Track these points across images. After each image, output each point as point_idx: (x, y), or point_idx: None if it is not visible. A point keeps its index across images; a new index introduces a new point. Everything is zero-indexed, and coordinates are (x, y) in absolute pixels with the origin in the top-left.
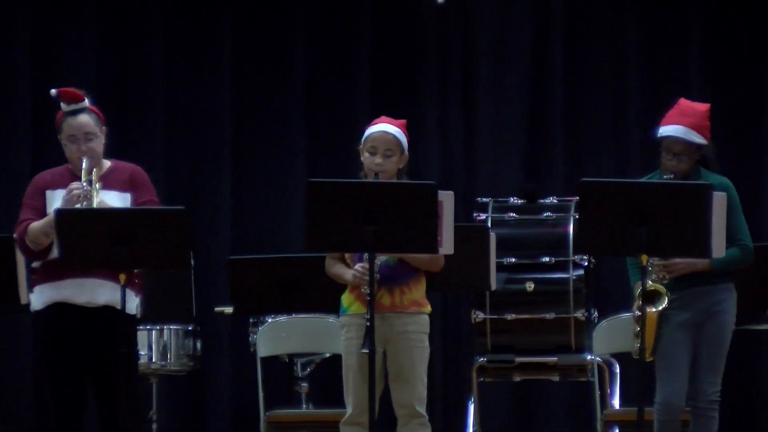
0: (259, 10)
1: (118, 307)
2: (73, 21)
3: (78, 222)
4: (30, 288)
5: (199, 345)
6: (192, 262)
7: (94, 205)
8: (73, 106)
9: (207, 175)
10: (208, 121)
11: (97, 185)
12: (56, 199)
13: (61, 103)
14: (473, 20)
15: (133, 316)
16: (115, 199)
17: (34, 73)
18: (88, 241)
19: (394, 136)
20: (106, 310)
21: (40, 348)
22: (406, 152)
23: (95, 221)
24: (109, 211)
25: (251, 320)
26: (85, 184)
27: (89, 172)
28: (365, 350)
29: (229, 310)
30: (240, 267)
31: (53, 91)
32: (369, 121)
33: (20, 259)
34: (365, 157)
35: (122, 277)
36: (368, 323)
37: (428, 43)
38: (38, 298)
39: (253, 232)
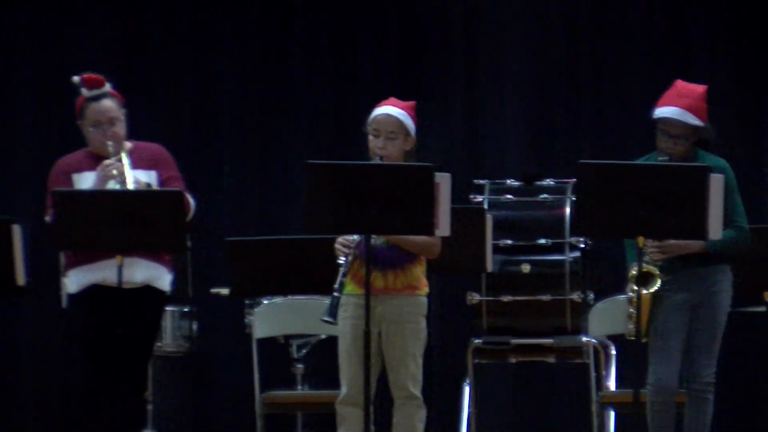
0: None
1: (156, 285)
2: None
3: (75, 203)
4: (63, 272)
5: (195, 326)
6: (189, 243)
7: (131, 183)
8: (96, 92)
9: (206, 156)
10: (207, 102)
11: (128, 165)
12: (83, 182)
13: (83, 89)
14: (477, 1)
15: (164, 292)
16: (143, 177)
17: (38, 58)
18: (87, 223)
19: (397, 119)
20: (143, 289)
21: (77, 331)
22: (413, 134)
23: (92, 203)
24: (106, 192)
25: (247, 302)
26: (117, 161)
27: (117, 154)
28: (325, 318)
29: (225, 291)
30: (238, 248)
31: (76, 78)
32: (371, 103)
33: (17, 240)
34: (370, 139)
35: (119, 258)
36: (335, 293)
37: (431, 25)
38: (73, 281)
39: (252, 214)
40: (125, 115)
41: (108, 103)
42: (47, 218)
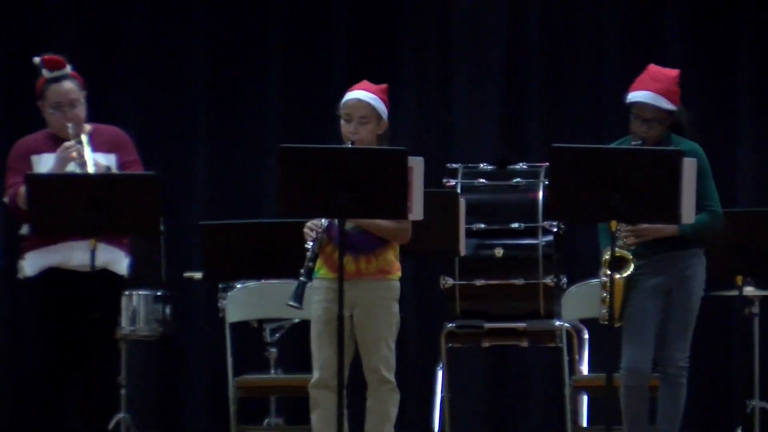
0: None
1: (113, 269)
2: None
3: (49, 187)
4: (20, 255)
5: (168, 310)
6: (162, 228)
7: (91, 166)
8: (56, 73)
9: (181, 140)
10: (182, 86)
11: (88, 147)
12: (43, 163)
13: (43, 70)
14: None
15: (121, 276)
16: (102, 160)
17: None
18: (58, 206)
19: (368, 103)
20: (99, 273)
21: (36, 314)
22: (385, 118)
23: (66, 187)
24: (79, 176)
25: (221, 286)
26: (77, 144)
27: (77, 137)
28: (290, 303)
29: (198, 275)
30: (212, 232)
31: (36, 59)
32: (345, 88)
33: None
34: (342, 124)
35: (92, 242)
36: (301, 278)
37: (405, 8)
38: (30, 264)
39: (225, 198)
40: (85, 97)
41: (69, 85)
42: (5, 199)
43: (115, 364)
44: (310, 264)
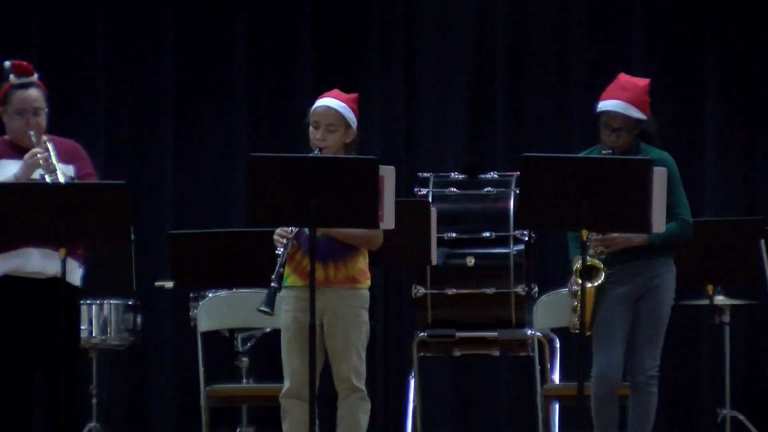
0: None
1: (66, 278)
2: None
3: (15, 195)
4: None
5: (139, 319)
6: (132, 236)
7: (60, 174)
8: (23, 80)
9: (149, 148)
10: (149, 95)
11: (54, 155)
12: (4, 169)
13: (11, 76)
14: None
15: (76, 287)
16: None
17: None
18: (26, 215)
19: (337, 111)
20: (53, 281)
21: None
22: (354, 127)
23: (34, 195)
24: (47, 185)
25: (192, 295)
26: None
27: (38, 145)
28: (262, 308)
29: (169, 284)
30: (181, 241)
31: (7, 63)
32: (312, 96)
33: None
34: (310, 131)
35: (62, 251)
36: (272, 284)
37: (371, 17)
38: None
39: (195, 207)
40: (47, 107)
41: (35, 93)
42: None
43: (80, 374)
44: (281, 270)
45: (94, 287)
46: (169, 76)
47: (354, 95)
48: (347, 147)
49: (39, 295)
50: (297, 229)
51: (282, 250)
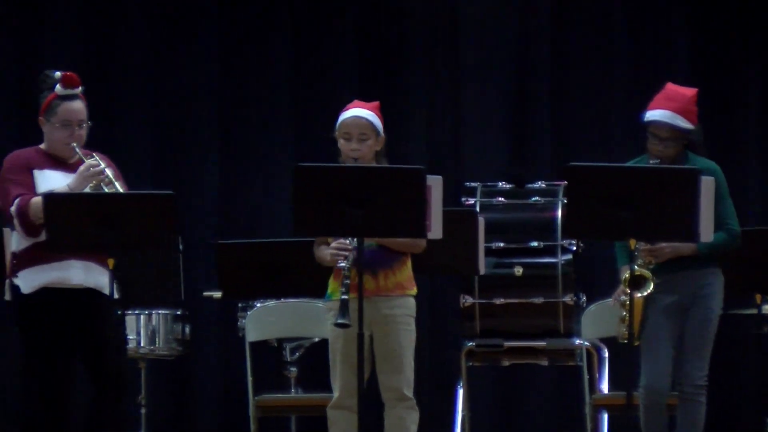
0: None
1: (102, 290)
2: (57, 7)
3: (66, 205)
4: (14, 272)
5: (187, 329)
6: (180, 246)
7: (119, 186)
8: (69, 91)
9: (195, 159)
10: (195, 106)
11: (108, 168)
12: (47, 179)
13: (57, 86)
14: (460, 3)
15: (111, 297)
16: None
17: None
18: (75, 224)
19: (367, 120)
20: (90, 292)
21: (29, 333)
22: (382, 134)
23: (83, 205)
24: (97, 195)
25: (240, 305)
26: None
27: (89, 156)
28: (340, 321)
29: (217, 294)
30: (228, 251)
31: (57, 74)
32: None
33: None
34: (341, 143)
35: (110, 261)
36: (343, 296)
37: (415, 27)
38: (25, 282)
39: (241, 217)
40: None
41: (80, 105)
42: (12, 209)
43: (127, 384)
44: (348, 282)
45: (142, 297)
46: (215, 87)
47: (376, 103)
48: (378, 155)
49: (81, 306)
50: (355, 240)
51: (344, 263)
